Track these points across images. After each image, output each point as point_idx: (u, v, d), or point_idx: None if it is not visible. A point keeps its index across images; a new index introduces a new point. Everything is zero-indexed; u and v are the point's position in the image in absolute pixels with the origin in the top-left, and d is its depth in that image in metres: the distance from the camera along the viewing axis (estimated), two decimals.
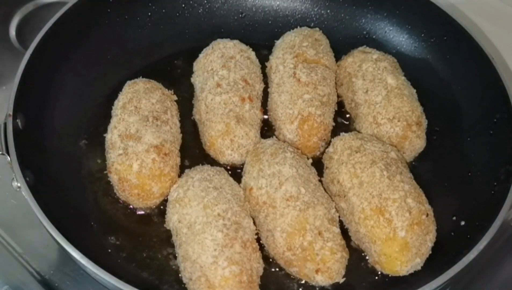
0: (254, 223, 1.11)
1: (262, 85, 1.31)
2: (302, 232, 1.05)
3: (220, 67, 1.28)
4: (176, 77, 1.37)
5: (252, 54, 1.34)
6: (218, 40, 1.35)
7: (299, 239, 1.05)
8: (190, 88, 1.33)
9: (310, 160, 1.19)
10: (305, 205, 1.07)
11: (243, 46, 1.34)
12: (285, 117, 1.24)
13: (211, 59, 1.30)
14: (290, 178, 1.11)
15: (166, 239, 1.12)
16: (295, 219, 1.06)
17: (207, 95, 1.24)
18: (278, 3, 1.47)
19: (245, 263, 1.02)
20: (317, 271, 1.04)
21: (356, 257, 1.13)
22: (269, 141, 1.21)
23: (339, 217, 1.12)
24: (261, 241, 1.12)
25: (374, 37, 1.42)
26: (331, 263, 1.04)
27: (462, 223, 1.12)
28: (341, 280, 1.06)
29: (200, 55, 1.33)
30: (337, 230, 1.08)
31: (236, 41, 1.34)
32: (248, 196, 1.14)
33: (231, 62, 1.29)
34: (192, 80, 1.32)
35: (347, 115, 1.33)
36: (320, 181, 1.16)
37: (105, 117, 1.23)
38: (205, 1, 1.44)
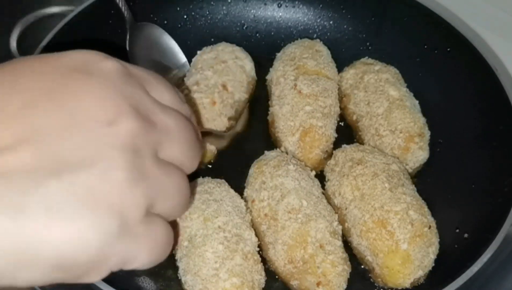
0: (256, 235, 1.10)
1: (246, 97, 1.31)
2: (304, 245, 1.05)
3: (207, 68, 1.29)
4: (176, 86, 1.36)
5: (248, 64, 1.33)
6: (223, 43, 1.36)
7: (300, 252, 1.05)
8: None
9: (314, 172, 1.18)
10: (306, 218, 1.07)
11: (241, 54, 1.34)
12: (286, 129, 1.24)
13: (204, 58, 1.32)
14: (292, 190, 1.10)
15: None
16: (296, 232, 1.06)
17: (184, 90, 1.26)
18: (280, 14, 1.47)
19: (246, 275, 1.01)
20: (318, 284, 1.04)
21: (358, 270, 1.12)
22: (272, 153, 1.20)
23: (341, 230, 1.11)
24: (262, 254, 1.11)
25: (377, 48, 1.42)
26: (332, 276, 1.03)
27: (466, 235, 1.11)
28: None
29: (199, 52, 1.35)
30: (339, 243, 1.07)
31: (237, 48, 1.34)
32: (250, 208, 1.14)
33: (221, 65, 1.29)
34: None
35: (349, 127, 1.32)
36: (323, 193, 1.16)
37: None
38: (207, 13, 1.44)
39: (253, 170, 1.18)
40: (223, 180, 1.17)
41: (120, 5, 1.28)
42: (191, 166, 0.73)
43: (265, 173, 1.15)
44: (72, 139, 0.59)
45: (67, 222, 0.58)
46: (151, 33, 1.34)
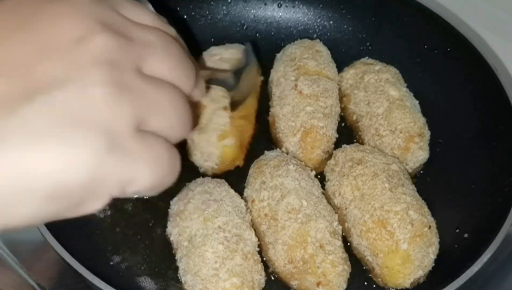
0: (256, 235, 1.10)
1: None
2: (304, 245, 1.05)
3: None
4: None
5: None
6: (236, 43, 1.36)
7: (300, 252, 1.05)
8: None
9: (314, 172, 1.19)
10: (306, 218, 1.07)
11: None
12: (287, 129, 1.24)
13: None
14: (292, 190, 1.10)
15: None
16: (296, 232, 1.06)
17: None
18: (280, 14, 1.47)
19: (246, 275, 1.02)
20: (318, 284, 1.04)
21: (358, 270, 1.12)
22: (272, 153, 1.20)
23: (341, 230, 1.11)
24: (262, 254, 1.11)
25: (377, 48, 1.42)
26: (332, 276, 1.03)
27: (466, 235, 1.12)
28: None
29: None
30: (339, 243, 1.07)
31: (237, 48, 1.34)
32: (250, 208, 1.14)
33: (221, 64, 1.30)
34: None
35: (349, 127, 1.32)
36: (323, 193, 1.16)
37: None
38: (207, 13, 1.44)
39: (253, 170, 1.18)
40: (223, 180, 1.17)
41: None
42: (186, 83, 0.69)
43: (265, 173, 1.15)
44: (43, 63, 0.57)
45: (50, 145, 0.55)
46: None
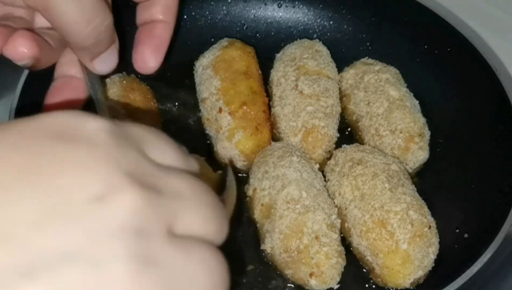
0: (255, 223, 1.13)
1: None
2: (299, 235, 1.06)
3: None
4: (176, 88, 1.38)
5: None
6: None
7: (295, 242, 1.05)
8: (190, 99, 1.35)
9: (317, 165, 1.19)
10: (305, 209, 1.07)
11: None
12: (288, 130, 1.24)
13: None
14: (293, 181, 1.11)
15: None
16: (293, 222, 1.07)
17: None
18: (280, 14, 1.47)
19: None
20: (311, 274, 1.04)
21: (358, 270, 1.12)
22: (278, 144, 1.22)
23: (340, 227, 1.12)
24: (259, 242, 1.12)
25: (377, 48, 1.42)
26: (326, 267, 1.04)
27: (466, 235, 1.11)
28: (336, 286, 1.07)
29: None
30: (335, 236, 1.08)
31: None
32: (252, 196, 1.15)
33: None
34: None
35: (349, 127, 1.32)
36: (325, 187, 1.16)
37: None
38: (207, 13, 1.44)
39: (257, 159, 1.20)
40: None
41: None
42: (218, 236, 0.56)
43: (268, 163, 1.16)
44: (49, 229, 0.46)
45: None
46: None
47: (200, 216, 0.54)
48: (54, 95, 1.02)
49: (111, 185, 0.48)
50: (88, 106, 1.04)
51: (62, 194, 0.47)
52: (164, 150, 0.56)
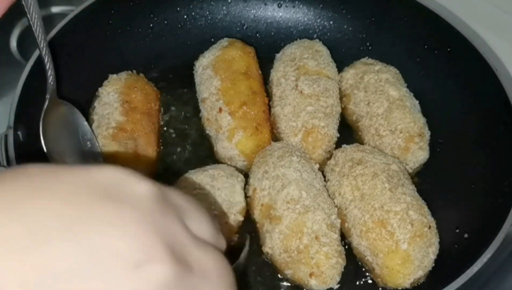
0: (255, 223, 1.13)
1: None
2: (299, 235, 1.06)
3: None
4: (177, 88, 1.38)
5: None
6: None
7: (295, 242, 1.06)
8: (190, 99, 1.35)
9: (317, 165, 1.19)
10: (304, 209, 1.08)
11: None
12: (288, 130, 1.24)
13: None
14: (293, 181, 1.11)
15: None
16: (293, 222, 1.07)
17: None
18: (280, 14, 1.47)
19: None
20: (311, 274, 1.04)
21: (358, 270, 1.12)
22: (278, 144, 1.22)
23: (340, 227, 1.12)
24: (259, 242, 1.12)
25: (377, 48, 1.42)
26: (325, 267, 1.04)
27: (466, 235, 1.11)
28: (335, 286, 1.07)
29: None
30: (335, 236, 1.08)
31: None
32: (252, 196, 1.15)
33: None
34: None
35: (349, 127, 1.32)
36: (325, 187, 1.16)
37: None
38: (207, 13, 1.44)
39: (257, 159, 1.20)
40: None
41: (49, 73, 1.14)
42: None
43: (268, 163, 1.16)
44: (90, 284, 0.49)
45: None
46: (68, 114, 1.20)
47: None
48: None
49: (150, 255, 0.51)
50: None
51: (101, 253, 0.49)
52: (201, 223, 0.60)
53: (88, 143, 1.18)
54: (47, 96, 1.14)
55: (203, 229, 0.60)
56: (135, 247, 0.50)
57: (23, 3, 1.02)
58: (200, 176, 1.15)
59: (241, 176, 1.19)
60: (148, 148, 1.22)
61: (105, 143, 1.18)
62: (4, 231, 0.48)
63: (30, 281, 0.47)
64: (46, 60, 1.12)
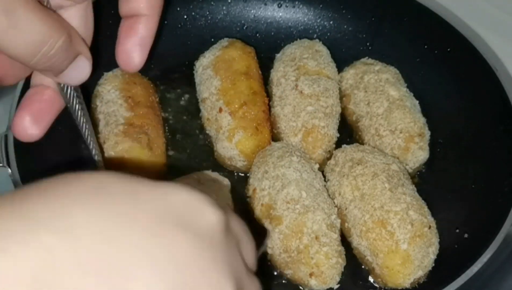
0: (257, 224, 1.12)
1: None
2: (299, 235, 1.06)
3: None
4: (177, 88, 1.38)
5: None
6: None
7: (295, 242, 1.06)
8: (190, 99, 1.35)
9: (317, 165, 1.19)
10: (304, 209, 1.07)
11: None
12: (288, 130, 1.24)
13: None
14: (293, 181, 1.11)
15: None
16: (293, 222, 1.07)
17: None
18: (280, 14, 1.47)
19: None
20: (311, 274, 1.04)
21: (358, 270, 1.12)
22: (278, 144, 1.22)
23: (340, 227, 1.12)
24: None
25: (377, 48, 1.42)
26: (325, 267, 1.04)
27: (466, 235, 1.12)
28: (335, 286, 1.07)
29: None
30: (335, 236, 1.08)
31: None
32: (252, 196, 1.15)
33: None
34: None
35: (349, 127, 1.32)
36: (325, 187, 1.16)
37: None
38: (207, 13, 1.44)
39: (257, 159, 1.20)
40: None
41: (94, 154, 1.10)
42: None
43: (268, 163, 1.16)
44: None
45: None
46: None
47: None
48: (26, 105, 0.96)
49: (220, 286, 0.52)
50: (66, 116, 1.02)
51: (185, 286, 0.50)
52: (250, 252, 0.62)
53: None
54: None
55: (250, 257, 0.62)
56: (210, 284, 0.52)
57: (69, 108, 0.99)
58: (186, 181, 1.15)
59: (227, 180, 1.20)
60: (158, 140, 1.22)
61: (118, 140, 1.18)
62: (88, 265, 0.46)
63: None
64: (91, 147, 1.08)
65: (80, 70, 0.92)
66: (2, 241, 0.44)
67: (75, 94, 0.97)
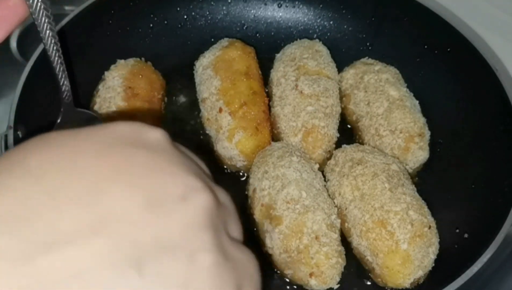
0: (255, 223, 1.13)
1: None
2: (299, 235, 1.06)
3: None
4: (177, 88, 1.38)
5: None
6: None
7: (295, 242, 1.06)
8: (190, 99, 1.35)
9: (317, 165, 1.19)
10: (304, 209, 1.08)
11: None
12: (288, 130, 1.24)
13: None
14: (293, 181, 1.11)
15: None
16: (293, 222, 1.07)
17: None
18: (280, 14, 1.47)
19: None
20: (311, 274, 1.04)
21: (358, 270, 1.12)
22: (278, 144, 1.22)
23: (340, 227, 1.12)
24: (259, 243, 1.13)
25: (377, 48, 1.42)
26: (325, 267, 1.04)
27: (466, 235, 1.12)
28: (335, 286, 1.07)
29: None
30: (335, 236, 1.08)
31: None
32: (252, 196, 1.15)
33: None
34: None
35: (349, 127, 1.32)
36: (325, 187, 1.16)
37: None
38: (207, 13, 1.44)
39: (257, 159, 1.20)
40: None
41: (61, 83, 1.10)
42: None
43: (268, 163, 1.16)
44: (150, 221, 0.50)
45: None
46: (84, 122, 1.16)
47: (240, 227, 0.61)
48: None
49: (190, 186, 0.54)
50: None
51: (153, 192, 0.52)
52: (233, 222, 0.60)
53: None
54: (61, 109, 1.12)
55: (234, 227, 0.61)
56: (176, 182, 0.53)
57: (35, 20, 0.99)
58: None
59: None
60: None
61: None
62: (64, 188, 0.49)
63: (89, 225, 0.49)
64: (60, 76, 1.09)
65: None
66: None
67: (41, 3, 0.96)
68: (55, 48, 1.05)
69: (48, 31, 1.03)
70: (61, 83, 1.09)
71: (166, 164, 0.54)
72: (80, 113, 1.17)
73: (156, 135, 0.57)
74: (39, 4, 0.96)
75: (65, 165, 0.51)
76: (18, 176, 0.50)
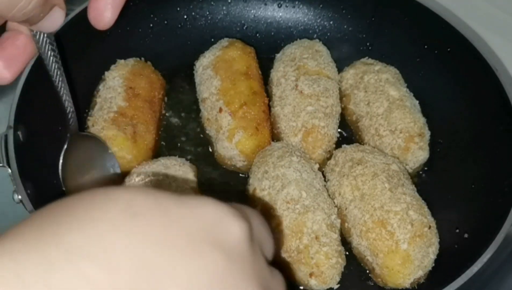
0: None
1: None
2: (299, 235, 1.06)
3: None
4: (177, 88, 1.38)
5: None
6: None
7: (295, 242, 1.06)
8: (190, 99, 1.35)
9: (317, 165, 1.19)
10: (304, 209, 1.08)
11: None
12: (288, 130, 1.24)
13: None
14: (293, 181, 1.11)
15: None
16: (293, 222, 1.07)
17: None
18: (280, 14, 1.47)
19: None
20: (311, 275, 1.05)
21: (358, 270, 1.12)
22: (278, 144, 1.22)
23: (340, 227, 1.12)
24: None
25: (377, 48, 1.41)
26: (325, 267, 1.04)
27: (466, 235, 1.11)
28: (335, 286, 1.07)
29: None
30: (335, 236, 1.08)
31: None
32: (252, 196, 1.15)
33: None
34: None
35: (349, 127, 1.32)
36: (325, 187, 1.16)
37: None
38: (207, 13, 1.44)
39: (257, 159, 1.20)
40: None
41: (68, 110, 1.11)
42: None
43: (268, 163, 1.16)
44: None
45: None
46: (91, 147, 1.19)
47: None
48: None
49: None
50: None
51: None
52: (269, 249, 0.64)
53: (111, 169, 1.18)
54: (68, 135, 1.13)
55: (269, 252, 0.64)
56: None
57: (43, 57, 1.01)
58: (153, 166, 1.16)
59: (194, 166, 1.21)
60: (147, 135, 1.22)
61: (105, 126, 1.19)
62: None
63: None
64: (66, 105, 1.10)
65: (55, 20, 0.93)
66: (43, 274, 0.44)
67: (48, 41, 0.98)
68: (61, 79, 1.06)
69: (56, 70, 1.04)
70: (67, 111, 1.10)
71: (238, 278, 0.53)
72: (85, 137, 1.18)
73: (237, 234, 0.55)
74: (45, 41, 0.97)
75: (143, 261, 0.49)
76: (95, 260, 0.47)
